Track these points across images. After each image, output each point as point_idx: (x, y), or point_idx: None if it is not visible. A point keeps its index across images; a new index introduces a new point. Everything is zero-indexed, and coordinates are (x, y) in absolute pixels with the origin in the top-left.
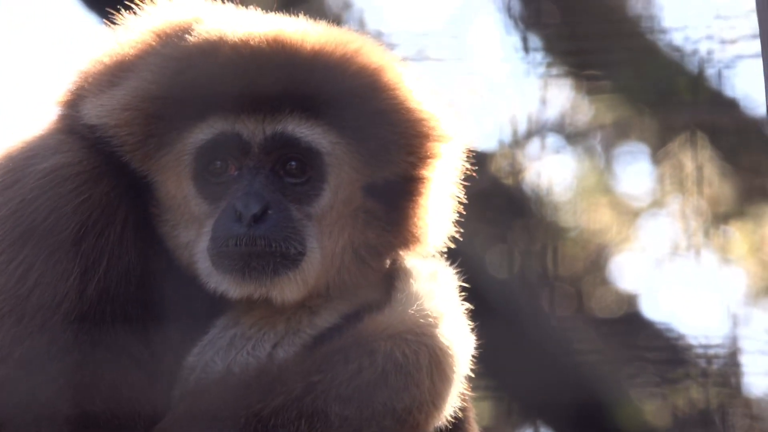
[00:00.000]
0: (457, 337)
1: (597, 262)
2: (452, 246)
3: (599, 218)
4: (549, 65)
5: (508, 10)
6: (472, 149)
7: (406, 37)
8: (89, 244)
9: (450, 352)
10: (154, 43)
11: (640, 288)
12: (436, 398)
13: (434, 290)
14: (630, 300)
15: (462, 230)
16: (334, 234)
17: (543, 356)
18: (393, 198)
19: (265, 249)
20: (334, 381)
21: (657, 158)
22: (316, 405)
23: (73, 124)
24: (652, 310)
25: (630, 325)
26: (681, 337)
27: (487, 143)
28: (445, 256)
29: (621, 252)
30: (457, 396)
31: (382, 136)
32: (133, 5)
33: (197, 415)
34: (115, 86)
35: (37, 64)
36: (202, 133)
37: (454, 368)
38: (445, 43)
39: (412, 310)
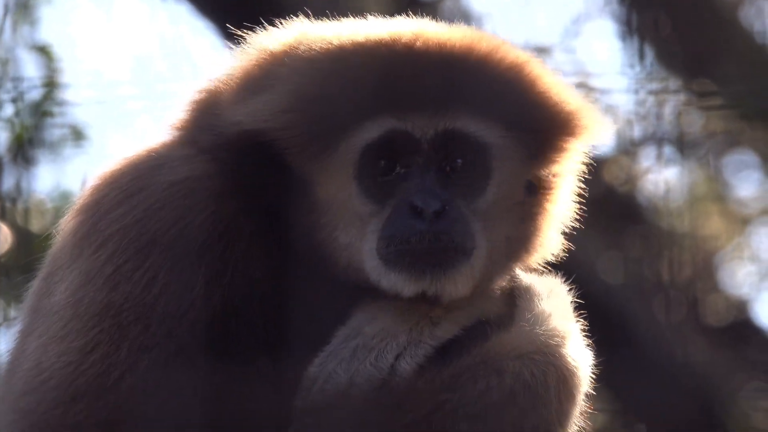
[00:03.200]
0: (580, 356)
1: (708, 269)
2: (566, 254)
3: (710, 226)
4: (663, 79)
5: (623, 19)
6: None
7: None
8: (214, 256)
9: (576, 371)
10: (301, 50)
11: (751, 294)
12: (562, 417)
13: (557, 309)
14: (741, 307)
15: (576, 236)
16: (496, 229)
17: (654, 362)
18: (537, 195)
19: (447, 244)
20: (462, 400)
21: (767, 167)
22: (445, 423)
23: (200, 139)
24: (763, 316)
25: (741, 332)
26: None
27: (601, 151)
28: (560, 266)
29: (732, 259)
30: (579, 414)
31: (539, 128)
32: (254, 29)
33: (320, 428)
34: (264, 92)
35: (163, 79)
36: (370, 132)
37: (579, 387)
38: (560, 55)
39: (539, 329)
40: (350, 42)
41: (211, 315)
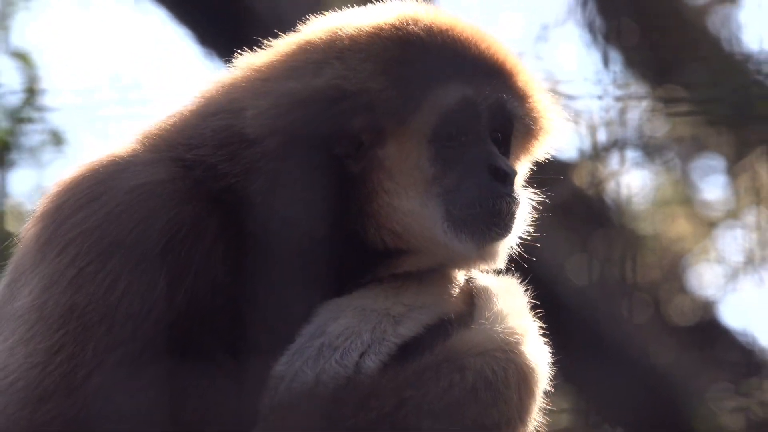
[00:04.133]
0: (539, 353)
1: (674, 270)
2: (534, 255)
3: (676, 228)
4: (628, 84)
5: (590, 26)
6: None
7: None
8: (176, 257)
9: (536, 368)
10: (367, 28)
11: (717, 296)
12: (522, 414)
13: (515, 307)
14: (706, 307)
15: (544, 237)
16: None
17: (621, 362)
18: None
19: (515, 209)
20: (426, 397)
21: (733, 171)
22: (408, 420)
23: (170, 144)
24: (728, 317)
25: (706, 332)
26: (756, 343)
27: (569, 155)
28: (528, 266)
29: (698, 261)
30: (539, 411)
31: (539, 114)
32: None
33: (287, 426)
34: (329, 66)
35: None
36: (449, 97)
37: (539, 384)
38: (530, 62)
39: (499, 327)
40: (415, 17)
41: (175, 315)
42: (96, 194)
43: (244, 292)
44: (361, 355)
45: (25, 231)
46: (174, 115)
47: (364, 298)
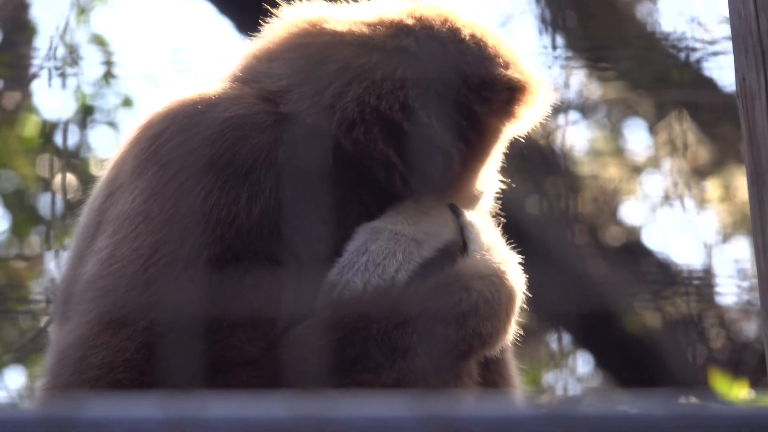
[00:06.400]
0: (519, 278)
1: (607, 205)
2: (503, 193)
3: (609, 172)
4: (569, 59)
5: (541, 17)
6: None
7: None
8: (256, 177)
9: (518, 291)
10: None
11: (641, 224)
12: (507, 326)
13: (496, 239)
14: (632, 233)
15: (511, 179)
16: None
17: (565, 275)
18: None
19: None
20: (441, 308)
21: (654, 128)
22: (426, 325)
23: (253, 83)
24: (650, 241)
25: (632, 252)
26: (671, 260)
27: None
28: (500, 202)
29: (626, 198)
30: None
31: None
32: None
33: (338, 321)
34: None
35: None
36: None
37: (519, 302)
38: None
39: (494, 257)
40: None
41: (252, 224)
42: (193, 123)
43: (302, 211)
44: (396, 271)
45: (119, 153)
46: (253, 58)
47: (395, 224)
